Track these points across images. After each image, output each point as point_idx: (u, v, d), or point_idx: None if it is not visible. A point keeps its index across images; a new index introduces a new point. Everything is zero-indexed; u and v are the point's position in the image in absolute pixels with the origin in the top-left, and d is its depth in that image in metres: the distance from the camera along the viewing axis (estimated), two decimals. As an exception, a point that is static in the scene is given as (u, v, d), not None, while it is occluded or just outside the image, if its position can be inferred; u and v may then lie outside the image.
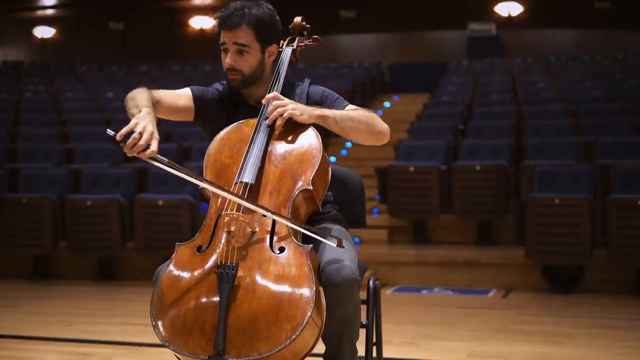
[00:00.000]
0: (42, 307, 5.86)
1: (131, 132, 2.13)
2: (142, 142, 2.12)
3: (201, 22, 19.04)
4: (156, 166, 2.16)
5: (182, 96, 2.60)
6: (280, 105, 2.41)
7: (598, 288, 6.09)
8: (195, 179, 2.21)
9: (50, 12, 20.57)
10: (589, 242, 5.93)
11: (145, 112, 2.23)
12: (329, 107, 2.55)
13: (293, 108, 2.40)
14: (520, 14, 17.29)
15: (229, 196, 2.24)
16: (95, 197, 6.94)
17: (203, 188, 2.34)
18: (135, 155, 2.13)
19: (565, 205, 6.03)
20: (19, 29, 19.94)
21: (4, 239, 7.06)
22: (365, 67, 14.70)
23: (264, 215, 2.25)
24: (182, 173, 2.16)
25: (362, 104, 12.46)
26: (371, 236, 7.31)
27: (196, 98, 2.61)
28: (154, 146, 2.14)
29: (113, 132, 2.13)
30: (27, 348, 4.49)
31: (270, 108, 2.41)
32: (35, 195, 7.11)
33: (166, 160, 2.15)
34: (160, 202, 6.65)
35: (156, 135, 2.17)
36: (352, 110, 2.52)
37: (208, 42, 18.39)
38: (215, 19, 2.57)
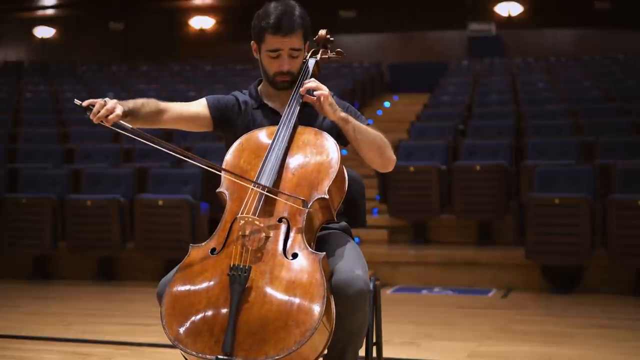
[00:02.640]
0: (42, 307, 5.86)
1: (96, 101, 2.30)
2: (109, 106, 2.28)
3: (201, 22, 19.03)
4: (122, 133, 2.32)
5: (193, 104, 2.63)
6: (321, 86, 2.47)
7: (598, 288, 6.09)
8: (161, 146, 2.31)
9: (50, 12, 20.56)
10: (589, 242, 5.93)
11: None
12: None
13: (329, 95, 2.47)
14: (520, 14, 17.28)
15: (254, 187, 2.30)
16: (95, 197, 6.94)
17: (220, 191, 2.39)
18: (101, 122, 2.28)
19: (565, 205, 6.03)
20: (19, 29, 19.93)
21: (4, 239, 7.06)
22: (365, 67, 14.70)
23: (280, 220, 2.26)
24: (149, 141, 2.29)
25: (362, 104, 12.49)
26: (371, 236, 7.31)
27: (212, 106, 2.64)
28: (118, 110, 2.29)
29: (80, 102, 2.29)
30: (27, 348, 4.49)
31: (312, 82, 2.48)
32: (35, 195, 7.11)
33: (130, 127, 2.30)
34: (160, 202, 6.65)
35: (121, 105, 2.32)
36: (371, 129, 2.57)
37: (208, 42, 18.42)
38: (262, 22, 2.53)
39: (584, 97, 10.05)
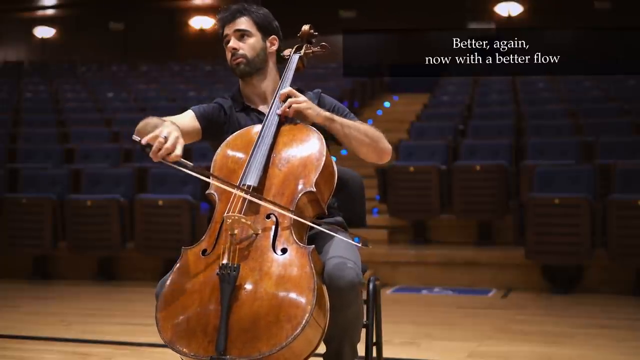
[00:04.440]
0: (42, 307, 5.86)
1: (156, 137, 2.19)
2: (168, 145, 2.17)
3: (201, 22, 19.03)
4: (182, 171, 2.24)
5: (186, 119, 2.63)
6: (294, 94, 2.50)
7: (598, 288, 6.10)
8: (222, 183, 2.29)
9: (50, 12, 20.56)
10: (589, 242, 5.93)
11: (169, 122, 2.32)
12: None
13: (305, 101, 2.48)
14: (520, 14, 17.28)
15: (242, 194, 2.29)
16: (95, 197, 6.94)
17: (209, 193, 2.40)
18: (161, 160, 2.18)
19: (565, 205, 6.03)
20: (19, 29, 19.93)
21: (4, 239, 7.06)
22: (365, 67, 14.66)
23: (268, 217, 2.27)
24: (208, 178, 2.28)
25: (362, 104, 12.50)
26: (371, 236, 7.29)
27: (199, 117, 2.65)
28: (179, 150, 2.19)
29: (139, 138, 2.19)
30: (27, 348, 4.49)
31: (283, 99, 2.50)
32: (35, 195, 7.12)
33: (191, 164, 2.21)
34: (160, 202, 6.65)
35: (181, 140, 2.22)
36: (360, 123, 2.58)
37: (208, 42, 18.40)
38: (216, 22, 2.69)
39: (584, 97, 10.06)
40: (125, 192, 7.09)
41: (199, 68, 15.42)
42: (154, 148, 2.16)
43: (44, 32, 19.99)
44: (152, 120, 2.41)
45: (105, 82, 14.09)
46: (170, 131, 2.22)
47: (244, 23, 2.63)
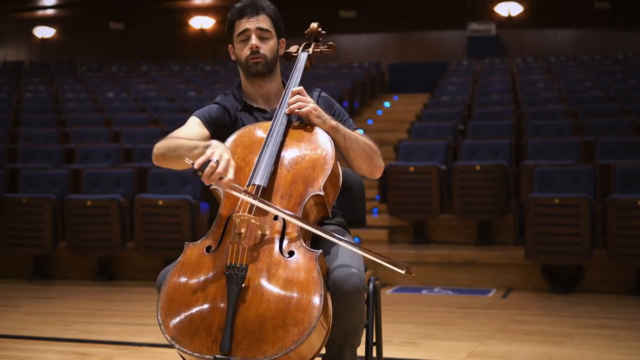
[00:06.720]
0: (42, 307, 5.86)
1: (208, 161, 2.18)
2: (220, 169, 2.17)
3: (201, 22, 19.02)
4: (235, 195, 2.23)
5: (194, 130, 2.58)
6: (303, 100, 2.45)
7: (598, 288, 6.10)
8: (282, 212, 2.22)
9: (50, 12, 20.55)
10: (589, 242, 5.93)
11: (217, 142, 2.29)
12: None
13: (314, 108, 2.45)
14: (520, 14, 17.27)
15: (251, 201, 2.24)
16: (95, 197, 6.95)
17: (215, 188, 2.35)
18: (213, 184, 2.19)
19: (565, 205, 6.03)
20: (19, 29, 19.92)
21: (4, 239, 7.06)
22: (365, 67, 14.69)
23: (275, 218, 2.26)
24: (263, 204, 2.21)
25: (362, 104, 12.51)
26: (371, 236, 7.31)
27: (206, 123, 2.61)
28: (231, 174, 2.19)
29: (192, 161, 2.18)
30: (27, 348, 4.49)
31: (292, 99, 2.46)
32: (35, 196, 7.12)
33: (243, 189, 2.21)
34: (160, 202, 6.65)
35: (232, 163, 2.23)
36: (361, 135, 2.56)
37: (208, 42, 18.40)
38: (230, 14, 2.63)
39: (584, 97, 10.06)
40: (125, 192, 7.09)
41: (198, 68, 15.42)
42: (205, 172, 2.17)
43: (44, 32, 19.97)
44: (181, 143, 2.40)
45: (105, 82, 14.09)
46: (221, 154, 2.22)
47: (266, 22, 2.59)
